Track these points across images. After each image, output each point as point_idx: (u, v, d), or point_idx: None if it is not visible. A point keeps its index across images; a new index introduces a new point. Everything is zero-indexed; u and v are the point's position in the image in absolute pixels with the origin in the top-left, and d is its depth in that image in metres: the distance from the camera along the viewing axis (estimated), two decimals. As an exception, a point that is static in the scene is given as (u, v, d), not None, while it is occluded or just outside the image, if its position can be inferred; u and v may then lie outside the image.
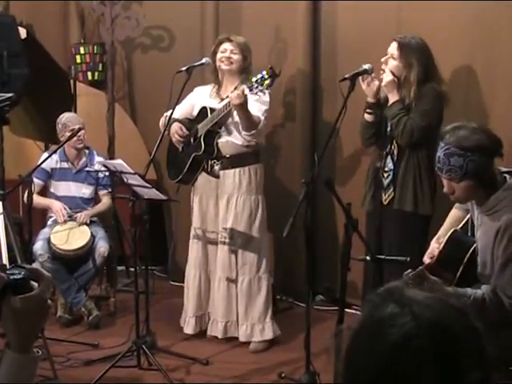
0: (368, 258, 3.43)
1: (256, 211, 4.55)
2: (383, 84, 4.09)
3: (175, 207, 5.73)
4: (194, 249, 4.69)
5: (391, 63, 4.09)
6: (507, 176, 2.96)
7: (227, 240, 4.54)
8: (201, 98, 4.65)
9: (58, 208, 5.02)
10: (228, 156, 4.51)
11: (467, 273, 3.01)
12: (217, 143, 4.49)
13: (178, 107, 4.50)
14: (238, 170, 4.51)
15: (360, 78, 4.03)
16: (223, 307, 4.57)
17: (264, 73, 4.04)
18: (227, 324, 4.58)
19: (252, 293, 4.56)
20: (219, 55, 4.55)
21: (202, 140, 4.48)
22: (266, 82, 4.03)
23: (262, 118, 4.44)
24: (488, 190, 2.92)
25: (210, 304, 4.67)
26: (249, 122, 4.37)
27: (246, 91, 4.12)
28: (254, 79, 4.07)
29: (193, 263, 4.70)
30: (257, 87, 4.06)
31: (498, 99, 4.49)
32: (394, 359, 1.10)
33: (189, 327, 4.69)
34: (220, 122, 4.46)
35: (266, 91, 4.25)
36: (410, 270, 2.98)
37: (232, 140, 4.49)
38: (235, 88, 4.40)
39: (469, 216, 3.17)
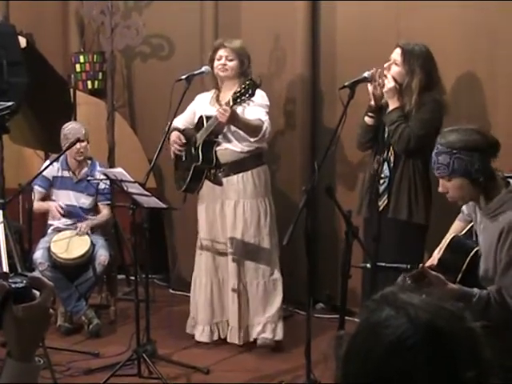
0: (368, 265, 3.42)
1: (265, 214, 4.57)
2: (384, 90, 4.09)
3: (175, 216, 5.74)
4: (203, 259, 4.66)
5: (394, 69, 4.09)
6: (511, 181, 2.96)
7: (237, 250, 4.54)
8: (201, 105, 4.65)
9: (53, 206, 5.04)
10: (229, 163, 4.51)
11: (468, 276, 3.00)
12: (215, 152, 4.49)
13: (180, 116, 4.51)
14: (240, 175, 4.52)
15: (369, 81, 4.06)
16: (238, 316, 4.57)
17: (247, 83, 4.19)
18: (243, 330, 4.59)
19: (267, 295, 4.60)
20: (216, 63, 4.56)
21: (200, 150, 4.48)
22: (249, 92, 4.15)
23: (266, 118, 4.45)
24: (486, 192, 2.91)
25: (227, 312, 4.64)
26: (249, 129, 4.39)
27: (231, 104, 4.21)
28: (237, 90, 4.21)
29: (203, 273, 4.66)
30: (241, 97, 4.17)
31: (500, 106, 4.49)
32: (389, 359, 1.11)
33: (203, 335, 4.65)
34: (216, 131, 4.45)
35: (265, 95, 4.48)
36: (408, 272, 2.94)
37: (231, 147, 4.50)
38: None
39: (471, 224, 3.16)
